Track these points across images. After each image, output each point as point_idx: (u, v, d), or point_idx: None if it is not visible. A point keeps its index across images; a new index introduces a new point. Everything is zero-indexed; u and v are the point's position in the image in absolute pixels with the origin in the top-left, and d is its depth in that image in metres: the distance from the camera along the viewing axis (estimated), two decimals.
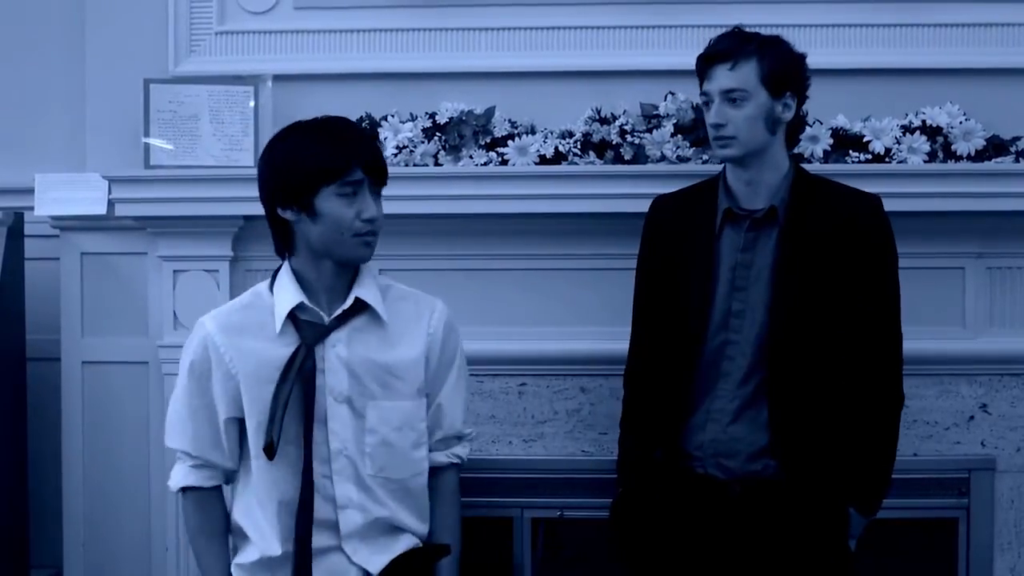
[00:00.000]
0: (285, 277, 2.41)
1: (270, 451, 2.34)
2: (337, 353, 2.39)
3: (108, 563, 3.39)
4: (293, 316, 2.39)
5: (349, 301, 2.39)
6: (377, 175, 2.37)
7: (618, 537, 2.83)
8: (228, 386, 2.40)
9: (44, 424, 3.48)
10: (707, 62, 2.66)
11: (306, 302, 2.38)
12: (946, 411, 3.22)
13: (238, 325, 2.42)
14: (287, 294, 2.39)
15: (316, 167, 2.33)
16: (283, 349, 2.37)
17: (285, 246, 2.43)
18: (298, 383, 2.36)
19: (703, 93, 2.69)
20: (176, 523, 3.29)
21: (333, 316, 2.39)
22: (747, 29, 2.70)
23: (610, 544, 2.93)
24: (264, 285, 2.46)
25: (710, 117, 2.66)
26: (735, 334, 2.66)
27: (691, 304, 2.68)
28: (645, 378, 2.78)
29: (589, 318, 3.21)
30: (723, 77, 2.63)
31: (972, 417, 3.23)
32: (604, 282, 3.19)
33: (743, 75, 2.62)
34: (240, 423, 2.42)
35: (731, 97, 2.62)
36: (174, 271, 3.29)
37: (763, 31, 2.71)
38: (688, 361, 2.68)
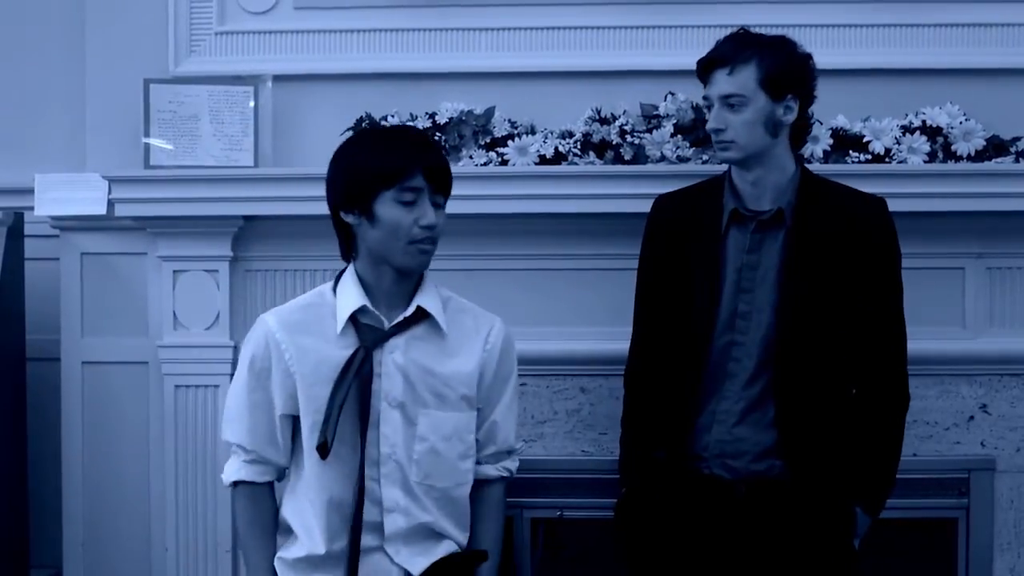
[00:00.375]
0: (349, 280, 2.43)
1: (323, 450, 2.35)
2: (394, 359, 2.39)
3: (108, 563, 3.39)
4: (354, 319, 2.40)
5: (411, 308, 2.40)
6: (439, 183, 2.38)
7: (623, 537, 2.83)
8: (286, 383, 2.41)
9: (44, 424, 3.47)
10: (707, 67, 2.66)
11: (368, 306, 2.39)
12: (946, 411, 3.22)
13: (299, 323, 2.43)
14: (350, 296, 2.40)
15: (377, 171, 2.34)
16: (342, 351, 2.38)
17: (348, 250, 2.44)
18: (355, 385, 2.37)
19: (705, 97, 2.69)
20: (176, 523, 3.30)
21: (394, 323, 2.40)
22: (752, 30, 2.69)
23: (615, 544, 2.92)
24: (328, 286, 2.47)
25: (709, 122, 2.66)
26: (741, 335, 2.66)
27: (696, 305, 2.67)
28: (648, 378, 2.78)
29: (589, 318, 3.21)
30: (722, 82, 2.62)
31: (972, 417, 3.23)
32: (604, 282, 3.19)
33: (741, 80, 2.61)
34: (294, 420, 2.44)
35: (729, 102, 2.62)
36: (174, 271, 3.28)
37: (764, 31, 2.71)
38: (693, 362, 2.67)
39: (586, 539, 3.32)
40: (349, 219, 2.38)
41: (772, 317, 2.64)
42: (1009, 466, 3.23)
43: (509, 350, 2.52)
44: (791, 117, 2.66)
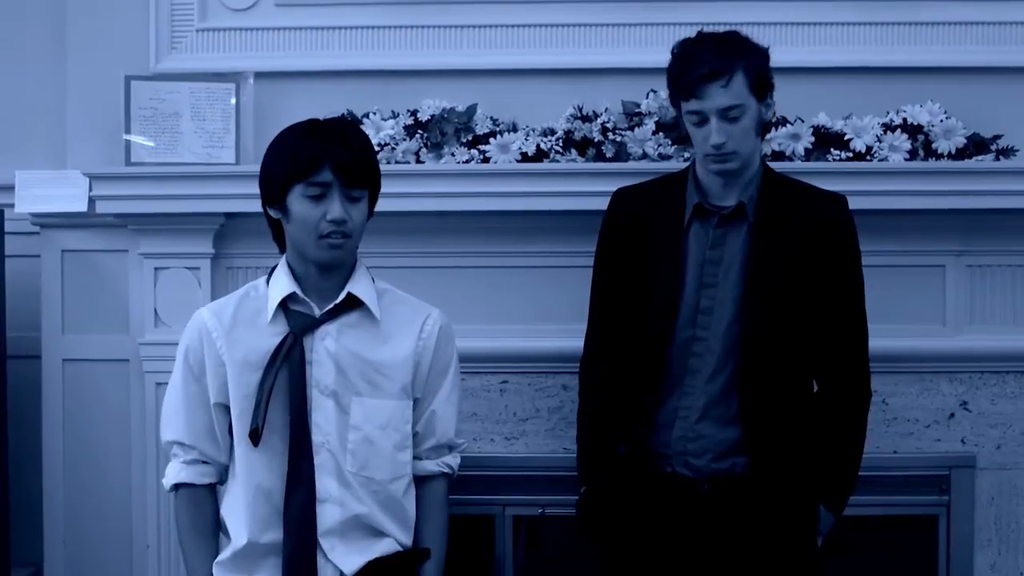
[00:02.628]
0: (280, 271, 2.46)
1: (255, 437, 2.36)
2: (326, 346, 2.41)
3: (89, 561, 3.38)
4: (285, 307, 2.42)
5: (342, 296, 2.42)
6: (350, 177, 2.36)
7: (586, 535, 2.83)
8: (219, 372, 2.43)
9: (24, 422, 3.46)
10: (698, 81, 2.57)
11: (298, 292, 2.41)
12: (926, 409, 3.23)
13: (232, 314, 2.46)
14: (280, 284, 2.43)
15: (286, 166, 2.37)
16: (273, 338, 2.41)
17: (280, 242, 2.48)
18: (284, 372, 2.38)
19: (694, 112, 2.60)
20: (157, 520, 3.29)
21: (325, 310, 2.41)
22: (708, 29, 2.67)
23: (583, 541, 2.93)
24: (262, 279, 2.51)
25: (713, 137, 2.57)
26: (703, 331, 2.65)
27: (657, 300, 2.67)
28: (605, 371, 2.77)
29: (571, 316, 3.18)
30: (719, 95, 2.56)
31: (952, 415, 3.24)
32: (586, 280, 3.16)
33: (736, 90, 2.56)
34: (228, 410, 2.44)
35: (730, 116, 2.57)
36: (155, 268, 3.28)
37: (744, 29, 2.70)
38: (654, 358, 2.67)
39: (568, 536, 3.31)
40: (272, 213, 2.43)
41: (735, 312, 2.63)
42: (989, 463, 3.24)
43: (447, 341, 2.53)
44: (771, 114, 2.67)
